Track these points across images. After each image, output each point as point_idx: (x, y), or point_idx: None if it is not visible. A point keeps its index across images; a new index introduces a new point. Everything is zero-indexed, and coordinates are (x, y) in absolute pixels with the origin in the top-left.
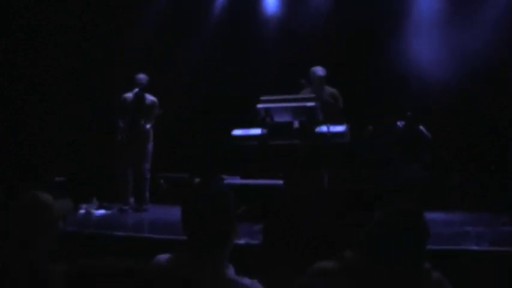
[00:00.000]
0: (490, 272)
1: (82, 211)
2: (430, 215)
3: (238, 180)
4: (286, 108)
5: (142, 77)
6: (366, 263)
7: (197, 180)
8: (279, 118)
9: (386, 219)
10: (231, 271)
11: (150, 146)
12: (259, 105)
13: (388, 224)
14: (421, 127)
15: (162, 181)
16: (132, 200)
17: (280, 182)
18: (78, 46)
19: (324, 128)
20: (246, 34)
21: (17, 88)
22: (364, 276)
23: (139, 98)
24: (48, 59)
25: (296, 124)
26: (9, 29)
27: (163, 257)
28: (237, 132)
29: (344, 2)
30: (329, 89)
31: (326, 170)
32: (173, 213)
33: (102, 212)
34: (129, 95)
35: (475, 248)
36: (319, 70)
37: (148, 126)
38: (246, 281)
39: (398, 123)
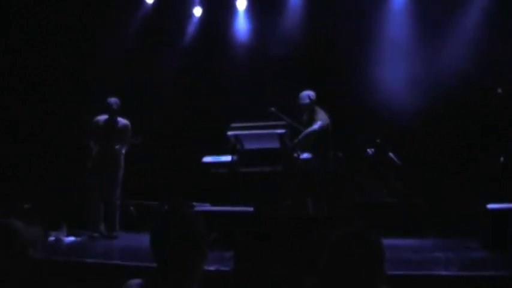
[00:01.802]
0: None
1: (52, 238)
2: (400, 241)
3: (208, 207)
4: (256, 135)
5: (113, 100)
6: None
7: (167, 207)
8: (249, 145)
9: (339, 243)
10: None
11: (121, 172)
12: (230, 132)
13: (342, 247)
14: (391, 154)
15: (132, 208)
16: (102, 227)
17: (251, 208)
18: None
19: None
20: (218, 60)
21: None
22: None
23: (111, 121)
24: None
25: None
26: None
27: (135, 282)
28: (207, 159)
29: (314, 28)
30: (320, 112)
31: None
32: (143, 240)
33: (72, 239)
34: (101, 119)
35: (444, 273)
36: (303, 97)
37: (123, 151)
38: None
39: (369, 150)
